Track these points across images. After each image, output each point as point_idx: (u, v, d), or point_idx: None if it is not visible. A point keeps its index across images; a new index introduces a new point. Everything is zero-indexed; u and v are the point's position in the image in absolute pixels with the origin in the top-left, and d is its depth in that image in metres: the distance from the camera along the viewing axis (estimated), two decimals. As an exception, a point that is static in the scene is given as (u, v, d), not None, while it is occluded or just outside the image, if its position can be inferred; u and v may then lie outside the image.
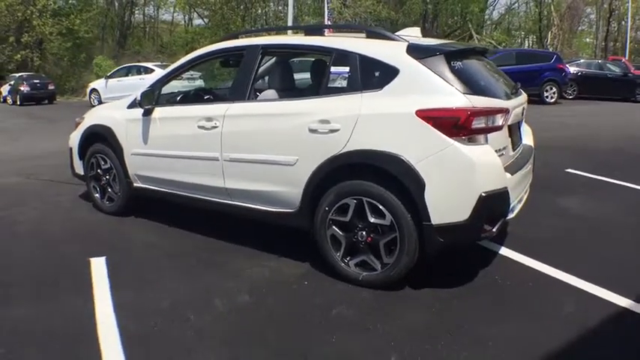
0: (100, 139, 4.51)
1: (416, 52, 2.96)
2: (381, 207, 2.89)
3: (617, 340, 2.55)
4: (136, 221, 4.49)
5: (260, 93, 3.84)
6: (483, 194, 2.74)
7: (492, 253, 3.59)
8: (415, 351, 2.40)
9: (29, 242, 4.06)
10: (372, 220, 2.94)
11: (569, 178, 5.93)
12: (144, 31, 38.46)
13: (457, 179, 2.76)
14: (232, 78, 4.15)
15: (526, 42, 33.47)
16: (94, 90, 19.09)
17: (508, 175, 2.93)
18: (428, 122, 2.75)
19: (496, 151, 2.90)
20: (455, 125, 2.73)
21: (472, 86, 2.90)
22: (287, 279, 3.24)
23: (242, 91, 3.52)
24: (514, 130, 3.34)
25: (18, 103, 20.96)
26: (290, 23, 18.41)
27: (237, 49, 3.74)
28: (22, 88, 21.06)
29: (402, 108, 2.82)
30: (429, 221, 2.78)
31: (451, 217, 2.78)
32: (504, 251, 3.62)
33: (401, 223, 2.84)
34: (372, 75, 3.03)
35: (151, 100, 3.96)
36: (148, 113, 4.04)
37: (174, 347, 2.50)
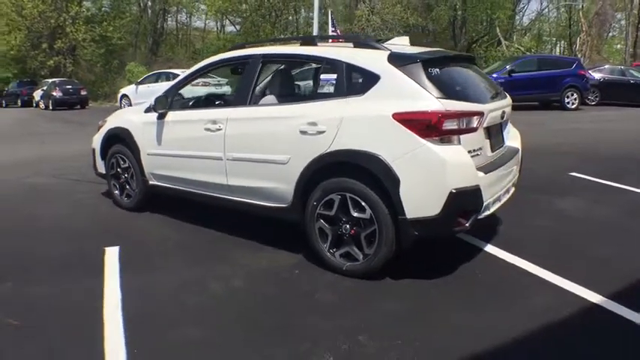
0: (120, 140, 4.93)
1: (396, 59, 3.23)
2: (362, 202, 3.16)
3: (580, 331, 2.68)
4: (151, 216, 4.88)
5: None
6: (454, 191, 2.97)
7: (477, 250, 3.79)
8: (383, 332, 2.64)
9: (52, 234, 4.48)
10: (354, 214, 3.21)
11: (571, 181, 6.04)
12: (177, 37, 39.45)
13: (429, 176, 3.01)
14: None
15: (557, 48, 33.08)
16: (124, 95, 19.90)
17: (481, 174, 3.16)
18: (403, 124, 3.01)
19: (471, 151, 3.14)
20: (427, 127, 2.98)
21: (447, 91, 3.14)
22: (280, 268, 3.53)
23: (244, 96, 3.87)
24: (494, 132, 3.56)
25: (50, 108, 21.82)
26: (316, 31, 18.88)
27: (242, 58, 4.09)
28: (54, 94, 21.92)
29: (380, 111, 3.09)
30: (404, 215, 3.03)
31: (424, 211, 3.02)
32: (489, 248, 3.81)
33: (379, 217, 3.10)
34: (356, 81, 3.32)
35: (164, 105, 4.35)
36: (162, 117, 4.42)
37: (169, 322, 2.83)
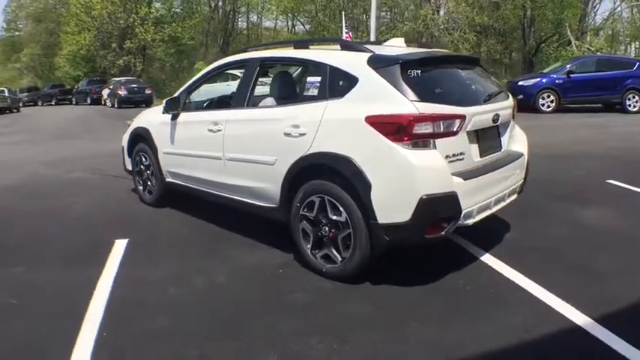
0: (142, 139, 5.28)
1: (375, 62, 3.23)
2: (338, 205, 3.20)
3: (553, 356, 2.56)
4: (169, 212, 5.19)
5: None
6: (424, 197, 2.92)
7: (472, 258, 3.70)
8: (338, 336, 2.67)
9: (72, 225, 4.91)
10: (332, 216, 3.26)
11: (605, 188, 5.70)
12: (247, 37, 40.69)
13: (399, 181, 2.98)
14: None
15: (630, 49, 30.95)
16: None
17: (459, 179, 3.08)
18: (375, 127, 3.00)
19: (449, 155, 3.08)
20: (398, 130, 2.95)
21: (425, 93, 3.08)
22: (267, 267, 3.66)
23: (242, 98, 4.03)
24: (485, 136, 3.46)
25: (116, 105, 23.22)
26: (372, 32, 18.94)
27: (242, 62, 4.26)
28: (119, 92, 23.34)
29: (354, 114, 3.11)
30: (376, 220, 3.03)
31: (394, 217, 3.00)
32: (486, 257, 3.71)
33: (354, 220, 3.13)
34: (337, 84, 3.35)
35: (175, 106, 4.61)
36: (175, 118, 4.70)
37: (145, 311, 3.05)
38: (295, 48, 3.90)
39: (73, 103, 30.31)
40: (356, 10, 28.88)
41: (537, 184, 5.79)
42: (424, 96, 3.07)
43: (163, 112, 4.85)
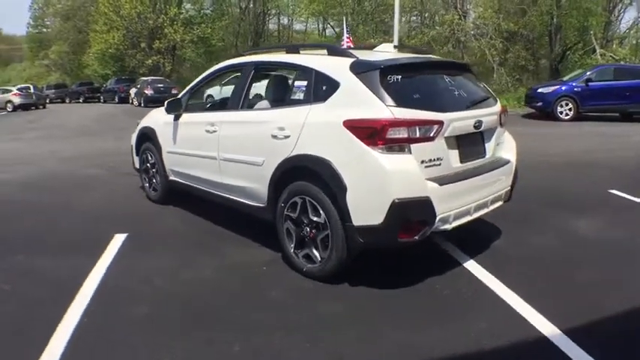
0: (148, 138, 5.52)
1: (357, 67, 3.33)
2: (318, 206, 3.32)
3: None
4: (171, 209, 5.40)
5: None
6: (396, 200, 3.00)
7: (455, 264, 3.76)
8: (306, 333, 2.78)
9: (77, 218, 5.17)
10: (312, 217, 3.38)
11: (606, 198, 5.66)
12: (278, 39, 41.13)
13: (372, 185, 3.07)
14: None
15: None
16: (209, 95, 21.15)
17: (434, 185, 3.15)
18: (352, 131, 3.11)
19: (425, 161, 3.15)
20: (372, 135, 3.04)
21: (403, 98, 3.17)
22: (254, 264, 3.80)
23: (237, 100, 4.20)
24: (467, 142, 3.50)
25: (142, 104, 23.78)
26: (395, 37, 19.00)
27: (238, 66, 4.43)
28: (146, 91, 23.94)
29: (333, 118, 3.23)
30: (351, 222, 3.13)
31: (368, 219, 3.09)
32: (469, 264, 3.75)
33: (331, 221, 3.24)
34: (321, 88, 3.47)
35: (176, 107, 4.82)
36: (177, 118, 4.90)
37: (129, 300, 3.24)
38: (287, 52, 4.05)
39: (101, 101, 31.10)
40: (385, 14, 28.96)
41: (537, 192, 5.86)
42: (402, 101, 3.15)
43: (166, 113, 5.04)
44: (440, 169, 3.27)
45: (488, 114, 3.69)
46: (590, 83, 13.75)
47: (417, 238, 3.15)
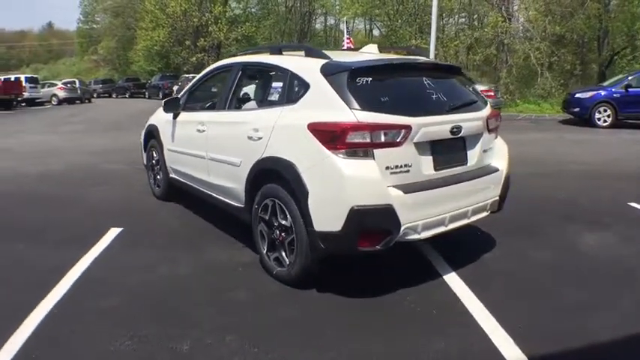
0: (153, 136, 5.79)
1: (326, 69, 3.33)
2: (285, 209, 3.37)
3: None
4: (172, 206, 5.64)
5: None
6: (355, 207, 2.97)
7: (435, 275, 3.71)
8: (256, 336, 2.85)
9: (81, 211, 5.50)
10: (280, 220, 3.45)
11: (623, 211, 5.43)
12: (325, 39, 41.47)
13: (332, 190, 3.07)
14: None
15: None
16: (245, 94, 21.63)
17: (398, 192, 3.09)
18: (315, 135, 3.12)
19: (391, 167, 3.11)
20: (333, 139, 3.03)
21: (369, 102, 3.12)
22: (231, 264, 3.93)
23: (224, 101, 4.34)
24: (443, 148, 3.42)
25: (183, 101, 24.50)
26: (432, 38, 18.83)
27: (228, 66, 4.57)
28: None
29: (300, 120, 3.25)
30: (313, 227, 3.15)
31: (328, 226, 3.09)
32: (450, 276, 3.69)
33: (296, 226, 3.28)
34: (294, 90, 3.52)
35: (173, 107, 5.03)
36: (175, 117, 5.12)
37: (103, 292, 3.45)
38: (270, 54, 4.12)
39: (146, 96, 32.27)
40: (427, 17, 28.62)
41: (548, 202, 5.75)
42: (368, 104, 3.11)
43: (164, 112, 5.27)
44: (408, 176, 3.21)
45: (470, 119, 3.59)
46: (630, 89, 13.21)
47: (379, 247, 3.10)
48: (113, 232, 4.68)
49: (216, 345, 2.78)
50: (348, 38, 17.41)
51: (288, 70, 3.64)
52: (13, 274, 3.79)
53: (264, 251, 3.69)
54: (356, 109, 3.09)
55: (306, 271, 3.37)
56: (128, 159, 8.46)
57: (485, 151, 3.79)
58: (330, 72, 3.31)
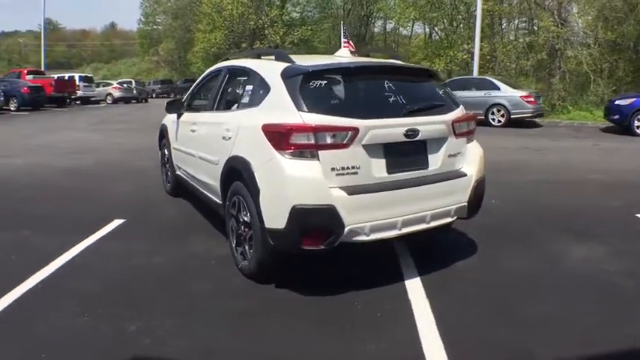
0: (163, 135, 6.31)
1: (285, 72, 3.56)
2: (246, 206, 3.64)
3: None
4: (179, 201, 6.11)
5: None
6: (296, 206, 3.17)
7: (397, 279, 3.78)
8: (197, 327, 3.08)
9: (92, 203, 6.08)
10: (243, 216, 3.72)
11: (627, 223, 5.32)
12: (384, 42, 41.68)
13: (277, 189, 3.30)
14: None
15: None
16: None
17: (342, 193, 3.24)
18: (266, 136, 3.36)
19: (337, 168, 3.26)
20: (279, 139, 3.26)
21: (319, 104, 3.32)
22: (207, 257, 4.24)
23: (212, 102, 4.72)
24: (400, 151, 3.52)
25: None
26: (477, 42, 18.77)
27: (218, 70, 4.94)
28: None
29: (257, 122, 3.50)
30: (263, 224, 3.39)
31: (274, 223, 3.30)
32: (412, 281, 3.75)
33: (253, 222, 3.54)
34: (259, 92, 3.78)
35: (175, 107, 5.47)
36: (179, 117, 5.57)
37: (79, 277, 3.87)
38: (252, 58, 4.43)
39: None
40: (484, 19, 28.22)
41: (553, 211, 5.75)
42: (316, 107, 3.30)
43: (166, 112, 5.73)
44: (356, 178, 3.34)
45: (430, 122, 3.66)
46: None
47: (322, 246, 3.27)
48: (115, 223, 5.17)
49: (159, 327, 3.09)
50: (346, 41, 17.63)
51: (257, 73, 3.94)
52: (12, 255, 4.32)
53: (234, 245, 3.98)
54: (304, 111, 3.29)
55: (262, 266, 3.61)
56: (157, 157, 9.05)
57: (452, 155, 3.83)
58: (287, 75, 3.55)
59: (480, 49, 20.42)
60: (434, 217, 3.67)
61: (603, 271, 4.05)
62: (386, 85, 3.66)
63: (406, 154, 3.60)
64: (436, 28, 31.95)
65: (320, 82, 3.44)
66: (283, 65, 3.71)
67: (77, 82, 27.66)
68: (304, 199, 3.21)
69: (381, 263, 4.15)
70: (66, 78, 27.33)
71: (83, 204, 6.04)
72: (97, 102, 30.19)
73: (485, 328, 3.14)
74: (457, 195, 3.81)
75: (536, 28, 23.52)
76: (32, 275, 3.82)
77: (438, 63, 23.83)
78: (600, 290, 3.71)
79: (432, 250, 4.52)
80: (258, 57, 4.34)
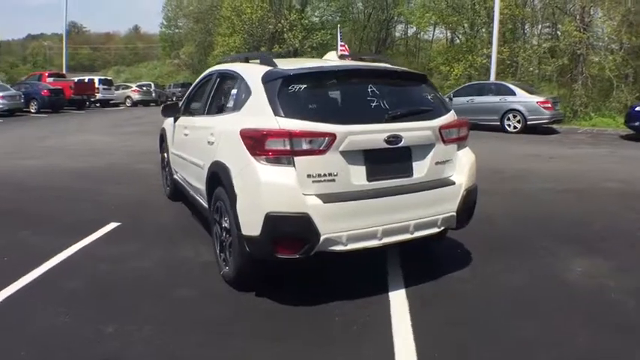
0: (163, 138, 6.44)
1: (265, 76, 3.54)
2: (225, 212, 3.65)
3: None
4: (177, 206, 6.17)
5: None
6: (270, 214, 3.15)
7: (382, 290, 3.74)
8: (167, 332, 3.14)
9: (92, 205, 6.24)
10: (224, 222, 3.74)
11: (636, 238, 5.14)
12: (405, 47, 41.60)
13: (252, 196, 3.29)
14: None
15: None
16: None
17: (317, 201, 3.20)
18: (243, 141, 3.34)
19: (313, 175, 3.22)
20: (254, 145, 3.24)
21: (296, 109, 3.29)
22: (194, 262, 4.32)
23: (203, 107, 4.80)
24: (381, 158, 3.46)
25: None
26: (494, 46, 18.66)
27: (210, 74, 5.00)
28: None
29: (236, 126, 3.48)
30: (240, 231, 3.39)
31: (250, 230, 3.29)
32: (397, 293, 3.69)
33: (231, 228, 3.54)
34: (242, 96, 3.79)
35: (170, 112, 5.60)
36: (175, 121, 5.68)
37: (70, 275, 4.02)
38: (240, 62, 4.43)
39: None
40: (507, 23, 28.01)
41: (560, 222, 5.65)
42: (294, 111, 3.28)
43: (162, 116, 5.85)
44: (334, 185, 3.30)
45: (414, 128, 3.58)
46: None
47: (298, 255, 3.24)
48: (110, 226, 5.30)
49: (135, 331, 3.16)
50: (342, 45, 17.65)
51: (242, 77, 3.93)
52: (9, 254, 4.50)
53: (217, 251, 4.02)
54: (280, 116, 3.27)
55: (240, 273, 3.63)
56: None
57: (439, 162, 3.73)
58: (266, 79, 3.52)
59: (500, 54, 20.23)
60: (418, 227, 3.59)
61: (604, 289, 3.85)
62: (369, 90, 3.58)
63: (388, 161, 3.52)
64: (457, 33, 31.81)
65: (300, 86, 3.41)
66: (265, 69, 3.69)
67: (97, 85, 28.25)
68: (278, 206, 3.19)
69: (368, 274, 4.12)
70: (86, 81, 27.94)
71: (84, 206, 6.20)
72: (117, 104, 30.82)
73: (465, 351, 3.01)
74: (445, 204, 3.71)
75: (559, 33, 23.26)
76: (24, 275, 3.97)
77: (457, 67, 23.62)
78: (599, 310, 3.52)
79: (423, 261, 4.48)
80: (246, 61, 4.33)
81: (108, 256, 4.49)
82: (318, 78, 3.57)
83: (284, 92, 3.38)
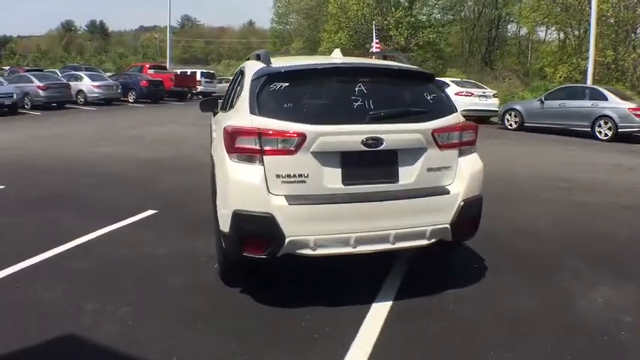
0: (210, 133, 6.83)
1: (254, 74, 3.68)
2: None
3: None
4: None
5: None
6: (237, 212, 3.27)
7: (368, 300, 3.69)
8: (155, 322, 3.36)
9: (141, 192, 6.89)
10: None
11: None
12: (517, 47, 40.19)
13: (224, 192, 3.46)
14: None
15: None
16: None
17: (282, 202, 3.25)
18: (223, 138, 3.48)
19: (282, 175, 3.27)
20: (229, 142, 3.37)
21: (272, 107, 3.38)
22: (199, 254, 4.58)
23: (224, 102, 5.10)
24: (361, 161, 3.42)
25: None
26: (591, 48, 17.42)
27: (237, 71, 5.19)
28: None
29: (224, 123, 3.69)
30: (219, 226, 3.57)
31: (223, 226, 3.44)
32: (380, 305, 3.64)
33: (215, 223, 3.73)
34: (239, 94, 3.92)
35: (209, 107, 5.95)
36: (214, 115, 6.03)
37: (86, 256, 4.49)
38: (253, 59, 4.56)
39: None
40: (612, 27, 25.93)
41: (603, 241, 5.29)
42: (270, 110, 3.37)
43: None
44: (303, 187, 3.31)
45: (399, 130, 3.47)
46: None
47: (264, 255, 3.31)
48: (146, 214, 5.83)
49: (112, 312, 3.50)
50: (377, 43, 17.25)
51: (244, 75, 4.12)
52: (43, 231, 5.14)
53: (216, 246, 4.20)
54: (255, 114, 3.37)
55: (222, 268, 3.85)
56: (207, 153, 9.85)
57: (433, 169, 3.59)
58: (255, 77, 3.65)
59: (604, 58, 18.81)
60: (400, 238, 3.46)
61: (621, 325, 3.49)
62: (357, 89, 3.51)
63: (369, 165, 3.45)
64: (568, 35, 30.10)
65: (282, 84, 3.48)
66: (259, 66, 3.83)
67: (198, 78, 30.02)
68: (245, 204, 3.29)
69: (365, 281, 4.08)
70: (188, 74, 29.86)
71: (130, 192, 6.85)
72: (219, 97, 32.32)
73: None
74: (436, 215, 3.54)
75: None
76: (42, 253, 4.51)
77: (560, 70, 22.39)
78: (607, 348, 3.23)
79: (429, 273, 4.37)
80: (258, 58, 4.32)
81: (128, 240, 4.96)
82: (302, 76, 3.62)
83: (265, 90, 3.48)
